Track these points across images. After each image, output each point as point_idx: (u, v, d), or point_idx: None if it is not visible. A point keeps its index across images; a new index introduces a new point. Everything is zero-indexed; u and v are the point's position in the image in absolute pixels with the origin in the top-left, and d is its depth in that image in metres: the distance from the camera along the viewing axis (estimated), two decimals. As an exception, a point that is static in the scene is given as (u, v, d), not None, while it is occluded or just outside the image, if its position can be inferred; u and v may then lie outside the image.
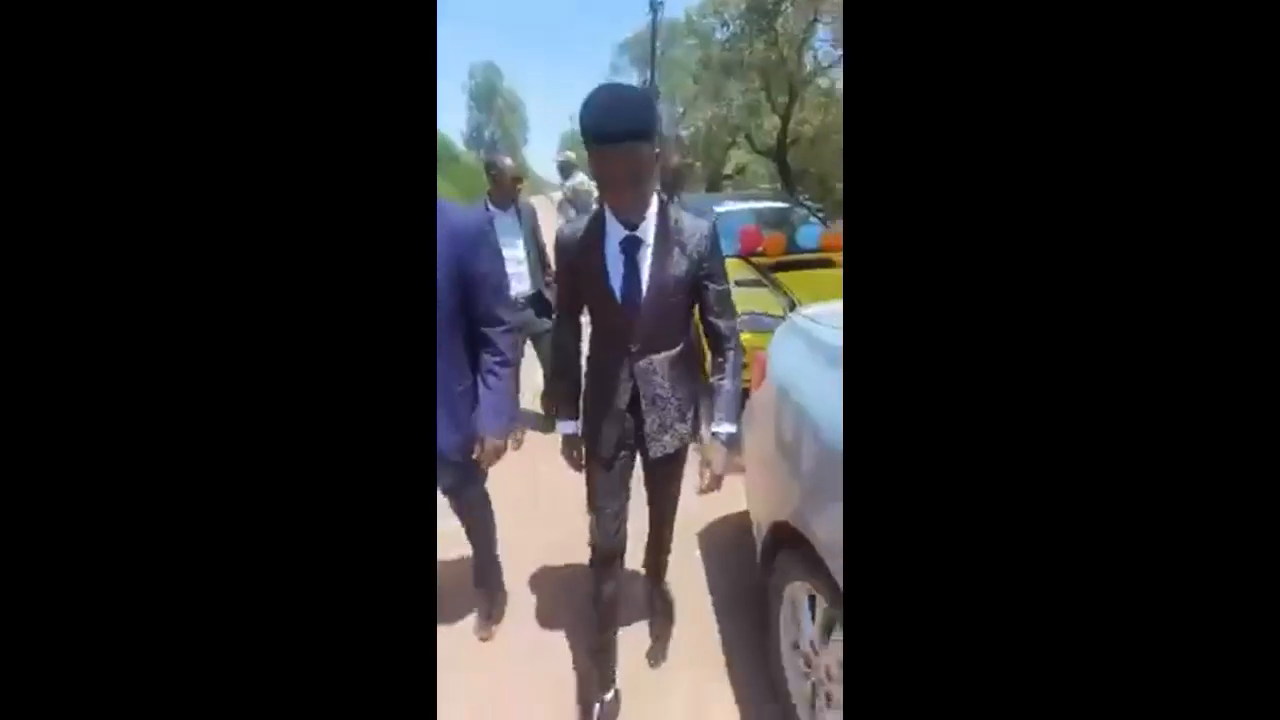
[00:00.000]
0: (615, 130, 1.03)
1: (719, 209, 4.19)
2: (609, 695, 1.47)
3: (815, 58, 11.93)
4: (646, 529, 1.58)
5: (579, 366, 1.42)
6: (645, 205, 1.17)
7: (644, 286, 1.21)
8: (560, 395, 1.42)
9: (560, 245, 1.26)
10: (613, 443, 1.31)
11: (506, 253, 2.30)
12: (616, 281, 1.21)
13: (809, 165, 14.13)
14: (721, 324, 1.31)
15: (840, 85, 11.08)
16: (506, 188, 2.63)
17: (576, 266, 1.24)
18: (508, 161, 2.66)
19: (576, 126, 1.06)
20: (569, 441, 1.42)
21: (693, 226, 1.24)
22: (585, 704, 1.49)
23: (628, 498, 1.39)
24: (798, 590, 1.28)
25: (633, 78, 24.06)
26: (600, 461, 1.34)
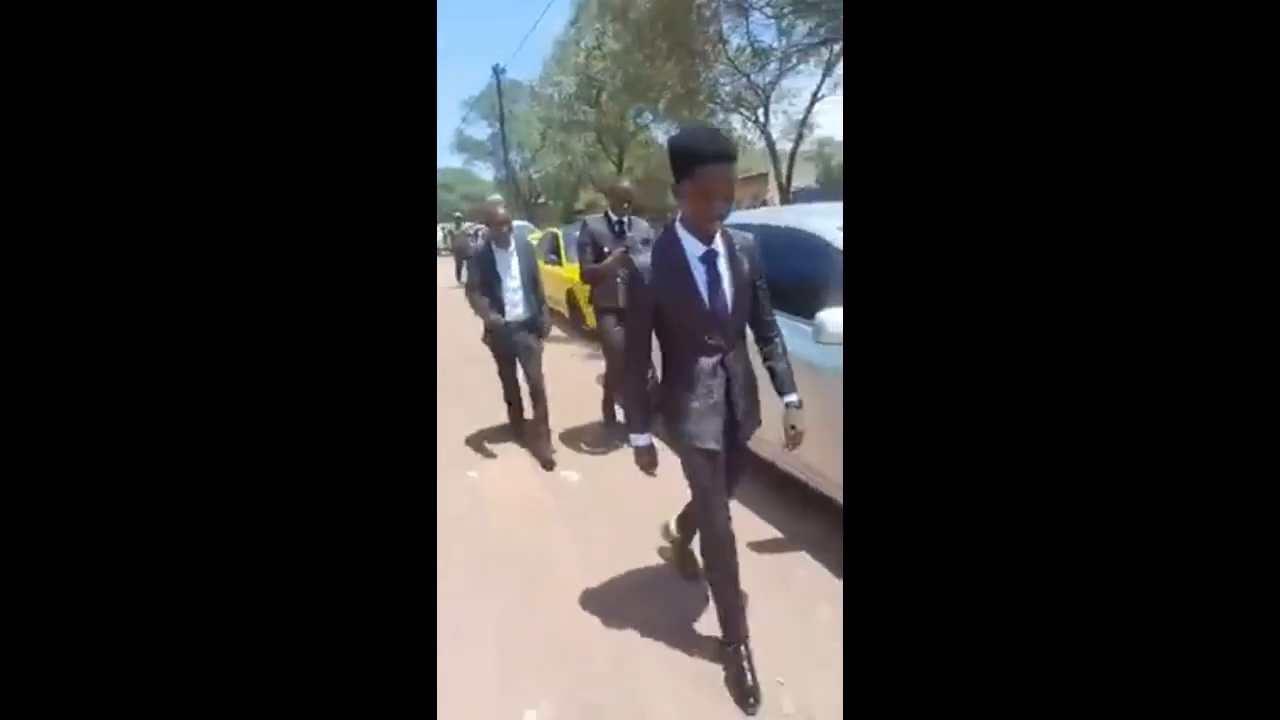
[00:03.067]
0: (723, 152, 1.29)
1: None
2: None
3: (634, 120, 15.41)
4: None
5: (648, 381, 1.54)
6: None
7: (727, 292, 1.42)
8: (636, 408, 1.54)
9: (637, 272, 1.41)
10: (716, 434, 1.47)
11: (507, 283, 2.94)
12: (705, 291, 1.40)
13: (642, 200, 17.80)
14: (768, 317, 1.57)
15: (657, 135, 14.38)
16: (502, 228, 2.99)
17: (659, 283, 1.40)
18: (501, 209, 3.04)
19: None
20: (645, 452, 1.53)
21: (743, 240, 1.48)
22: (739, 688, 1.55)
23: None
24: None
25: (483, 130, 26.47)
26: (705, 455, 1.47)
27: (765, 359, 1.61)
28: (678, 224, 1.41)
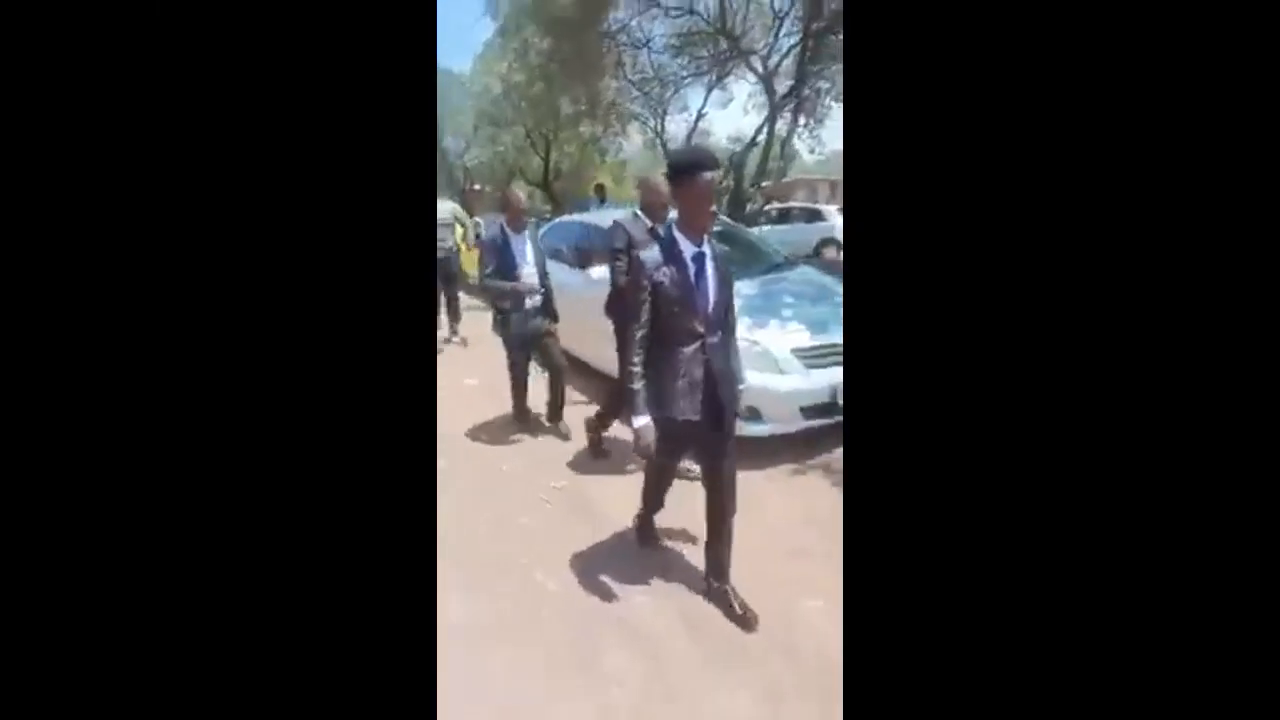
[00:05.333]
0: (713, 163, 1.57)
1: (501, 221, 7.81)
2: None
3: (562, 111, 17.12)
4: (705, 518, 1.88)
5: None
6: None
7: (710, 288, 1.67)
8: (638, 390, 1.67)
9: (644, 266, 1.61)
10: (695, 408, 1.66)
11: (524, 269, 2.97)
12: (694, 284, 1.63)
13: (571, 191, 19.52)
14: (731, 317, 1.81)
15: (584, 131, 16.15)
16: (521, 216, 2.98)
17: (657, 279, 1.60)
18: (518, 193, 3.06)
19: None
20: (645, 430, 1.67)
21: (720, 249, 1.75)
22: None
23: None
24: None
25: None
26: (683, 425, 1.68)
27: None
28: (674, 226, 1.67)
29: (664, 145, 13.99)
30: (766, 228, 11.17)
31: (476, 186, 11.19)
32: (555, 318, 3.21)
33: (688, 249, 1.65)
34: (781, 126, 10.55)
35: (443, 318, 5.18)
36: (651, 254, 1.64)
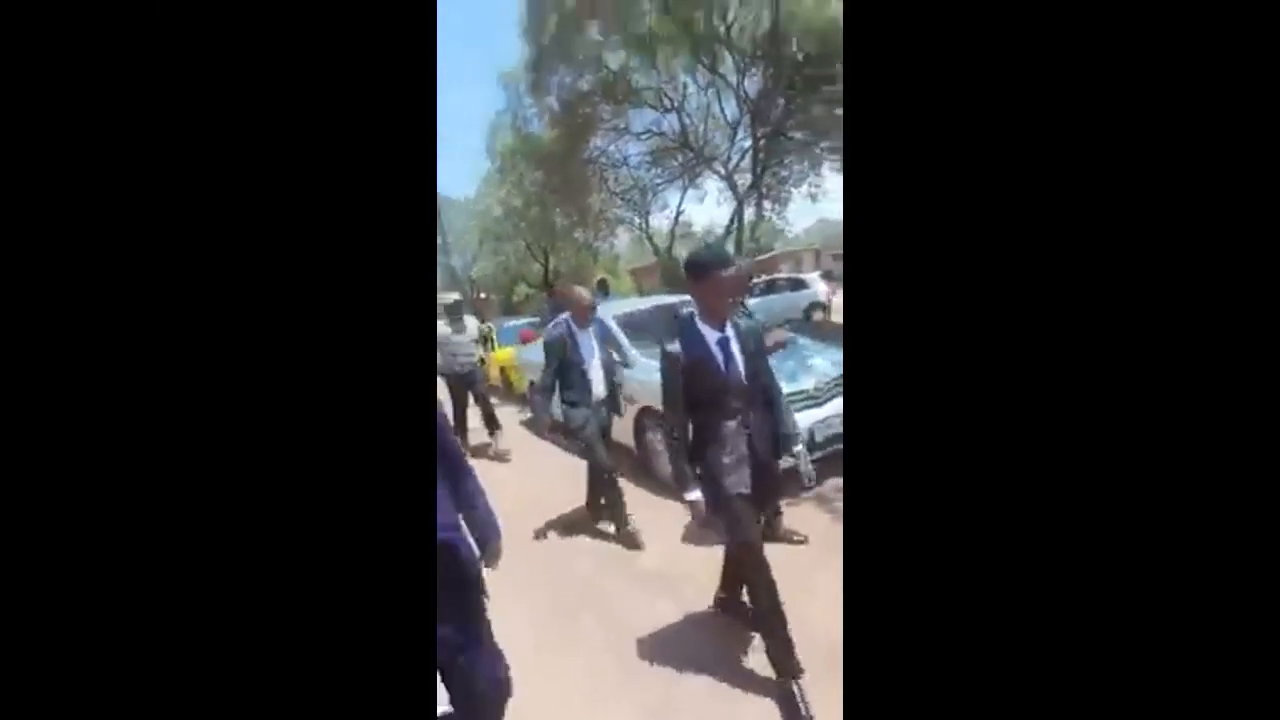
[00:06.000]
0: (724, 260, 1.69)
1: (510, 323, 8.51)
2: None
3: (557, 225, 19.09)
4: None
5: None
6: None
7: (740, 366, 1.78)
8: (683, 470, 1.82)
9: (675, 360, 1.76)
10: (746, 482, 1.77)
11: (591, 364, 3.06)
12: (723, 365, 1.76)
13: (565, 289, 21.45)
14: (772, 387, 1.96)
15: (578, 237, 17.93)
16: (587, 312, 3.07)
17: (690, 369, 1.75)
18: (584, 291, 3.12)
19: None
20: (698, 505, 1.79)
21: (749, 325, 1.86)
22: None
23: None
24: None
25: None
26: (741, 500, 1.76)
27: (778, 424, 1.95)
28: (696, 318, 1.80)
29: (650, 240, 15.65)
30: (755, 300, 12.38)
31: (484, 295, 12.32)
32: (620, 412, 3.26)
33: (710, 335, 1.79)
34: (752, 213, 12.07)
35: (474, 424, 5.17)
36: (673, 346, 1.78)
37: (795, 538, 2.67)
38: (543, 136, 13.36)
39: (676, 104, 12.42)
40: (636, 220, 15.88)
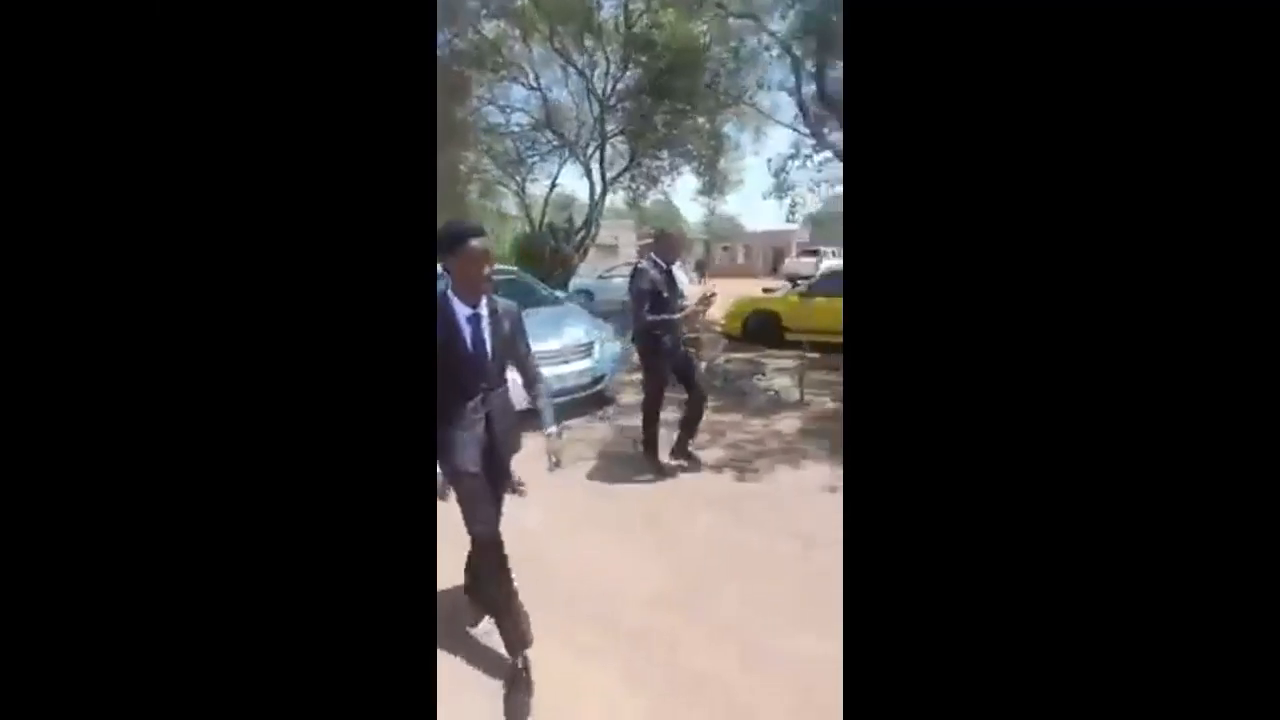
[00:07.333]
0: (476, 232, 1.68)
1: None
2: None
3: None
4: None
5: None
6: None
7: (487, 344, 1.79)
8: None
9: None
10: (475, 459, 1.81)
11: (679, 303, 3.43)
12: (470, 344, 1.76)
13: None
14: (530, 364, 1.99)
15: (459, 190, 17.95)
16: (676, 248, 3.52)
17: (438, 345, 1.70)
18: (680, 230, 3.45)
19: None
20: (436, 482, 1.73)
21: (506, 305, 1.85)
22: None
23: None
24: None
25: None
26: (473, 478, 1.80)
27: (531, 398, 1.98)
28: (449, 292, 1.74)
29: (526, 208, 16.26)
30: (620, 280, 13.55)
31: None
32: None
33: (462, 311, 1.75)
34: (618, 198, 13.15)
35: None
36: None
37: (520, 488, 2.73)
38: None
39: (541, 86, 13.10)
40: (512, 186, 16.35)
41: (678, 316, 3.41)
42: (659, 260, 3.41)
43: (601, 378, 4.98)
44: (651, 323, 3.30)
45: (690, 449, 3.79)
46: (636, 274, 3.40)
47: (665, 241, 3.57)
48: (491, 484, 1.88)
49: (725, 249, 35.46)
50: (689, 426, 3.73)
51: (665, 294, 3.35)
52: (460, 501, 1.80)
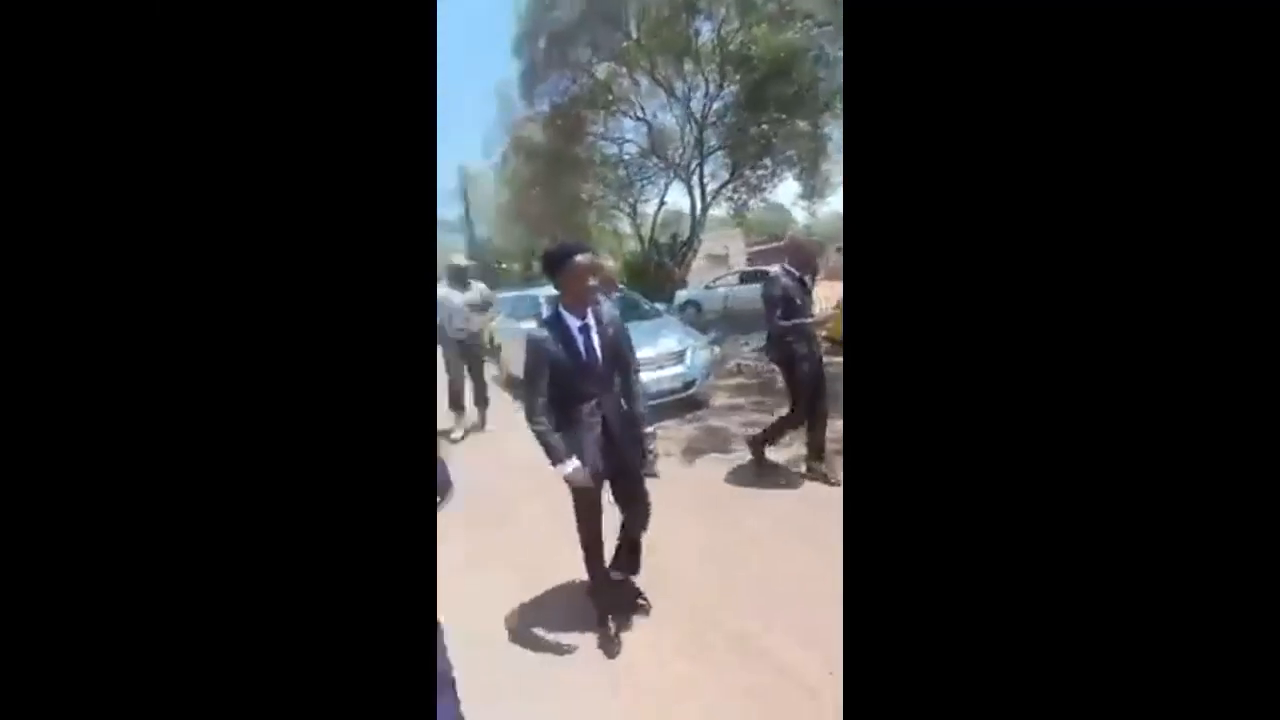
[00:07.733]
0: (582, 249, 1.86)
1: (516, 294, 8.12)
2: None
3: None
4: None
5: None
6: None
7: (598, 351, 1.95)
8: (560, 444, 1.96)
9: (539, 345, 1.92)
10: (597, 460, 2.02)
11: (812, 311, 3.54)
12: (586, 355, 1.95)
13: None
14: (632, 370, 2.15)
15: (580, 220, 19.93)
16: (812, 260, 3.59)
17: (554, 355, 1.93)
18: (815, 242, 3.78)
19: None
20: (577, 474, 1.97)
21: (611, 314, 2.03)
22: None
23: None
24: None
25: (455, 208, 32.80)
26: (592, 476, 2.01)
27: (626, 402, 2.10)
28: (560, 306, 1.93)
29: (638, 227, 17.60)
30: (724, 290, 14.25)
31: (504, 265, 14.07)
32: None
33: (573, 322, 1.92)
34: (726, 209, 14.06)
35: (456, 407, 5.10)
36: (540, 333, 1.91)
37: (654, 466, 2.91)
38: (533, 137, 15.57)
39: (647, 116, 14.34)
40: (624, 208, 17.81)
41: (809, 321, 3.41)
42: (791, 269, 3.42)
43: (692, 382, 5.38)
44: (784, 329, 3.33)
45: (815, 465, 3.55)
46: (768, 281, 3.45)
47: (798, 249, 3.57)
48: (615, 480, 2.09)
49: (838, 250, 34.38)
50: (813, 448, 3.52)
51: (799, 301, 3.35)
52: (575, 498, 2.03)
